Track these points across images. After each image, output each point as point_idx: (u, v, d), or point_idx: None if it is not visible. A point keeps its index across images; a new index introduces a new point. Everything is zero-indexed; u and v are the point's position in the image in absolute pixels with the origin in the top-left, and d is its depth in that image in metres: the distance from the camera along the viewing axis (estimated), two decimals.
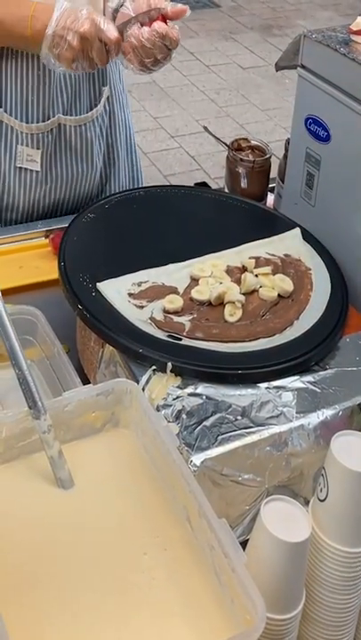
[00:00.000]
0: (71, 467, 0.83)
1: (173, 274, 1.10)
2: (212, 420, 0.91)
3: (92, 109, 1.43)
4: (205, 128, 1.69)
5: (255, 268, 1.11)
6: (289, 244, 1.19)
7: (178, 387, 0.94)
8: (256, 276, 1.09)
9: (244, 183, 1.40)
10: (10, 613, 0.68)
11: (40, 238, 1.40)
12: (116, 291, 1.05)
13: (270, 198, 1.45)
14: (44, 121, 1.38)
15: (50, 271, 1.22)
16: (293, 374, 0.98)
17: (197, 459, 0.87)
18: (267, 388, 0.95)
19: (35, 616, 0.71)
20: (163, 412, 0.90)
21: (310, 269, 1.14)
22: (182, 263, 1.11)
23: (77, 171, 1.47)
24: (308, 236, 1.20)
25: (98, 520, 0.80)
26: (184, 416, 0.91)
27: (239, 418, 0.91)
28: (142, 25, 1.19)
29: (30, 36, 1.22)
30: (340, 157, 1.16)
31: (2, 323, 0.81)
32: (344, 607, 0.82)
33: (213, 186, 1.59)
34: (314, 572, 0.81)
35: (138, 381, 0.93)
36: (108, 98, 1.46)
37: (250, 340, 1.01)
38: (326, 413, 0.94)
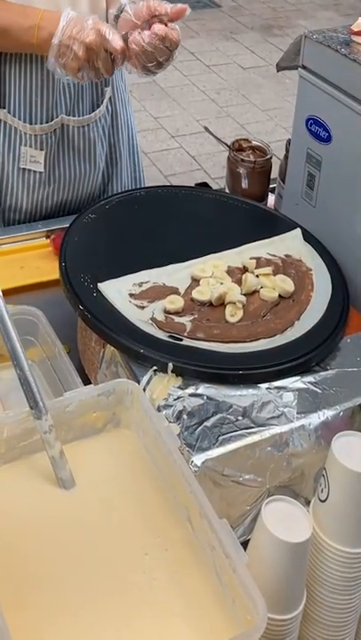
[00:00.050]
0: (72, 467, 0.83)
1: (174, 274, 1.10)
2: (212, 420, 0.91)
3: (94, 110, 1.44)
4: (206, 128, 1.69)
5: (256, 268, 1.11)
6: (290, 244, 1.19)
7: (179, 387, 0.94)
8: (257, 276, 1.09)
9: (244, 184, 1.40)
10: (11, 613, 0.68)
11: (41, 238, 1.40)
12: (117, 291, 1.05)
13: (271, 199, 1.45)
14: (47, 122, 1.38)
15: (51, 271, 1.23)
16: (294, 375, 0.98)
17: (198, 459, 0.87)
18: (268, 388, 0.95)
19: (36, 616, 0.71)
20: (164, 412, 0.90)
21: (311, 270, 1.14)
22: (183, 264, 1.11)
23: (80, 171, 1.47)
24: (308, 237, 1.20)
25: (99, 520, 0.80)
26: (185, 416, 0.91)
27: (240, 418, 0.91)
28: (142, 30, 1.19)
29: (37, 45, 1.23)
30: (340, 158, 1.16)
31: (3, 323, 0.81)
32: (345, 607, 0.82)
33: (214, 186, 1.59)
34: (315, 573, 0.81)
35: (139, 382, 0.94)
36: (110, 98, 1.47)
37: (251, 341, 1.01)
38: (327, 414, 0.94)
